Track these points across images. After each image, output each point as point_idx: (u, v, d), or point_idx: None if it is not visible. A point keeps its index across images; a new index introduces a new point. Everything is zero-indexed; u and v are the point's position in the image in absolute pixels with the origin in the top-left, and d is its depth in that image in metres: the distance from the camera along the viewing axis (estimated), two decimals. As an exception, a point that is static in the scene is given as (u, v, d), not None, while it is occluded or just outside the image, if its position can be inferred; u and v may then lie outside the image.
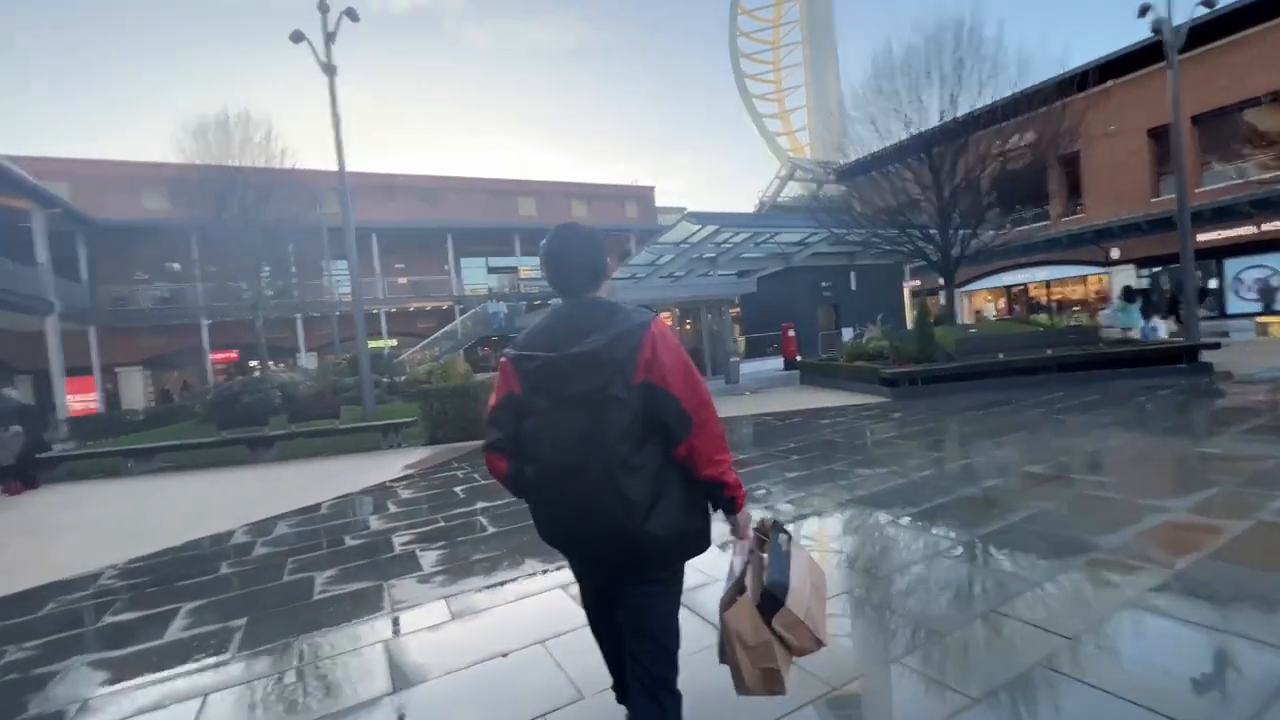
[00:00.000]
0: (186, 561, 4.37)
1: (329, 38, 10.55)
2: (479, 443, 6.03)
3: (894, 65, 13.20)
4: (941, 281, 14.06)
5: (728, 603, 1.60)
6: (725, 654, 1.61)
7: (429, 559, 3.98)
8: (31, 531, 5.80)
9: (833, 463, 5.76)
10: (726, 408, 10.70)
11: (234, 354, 25.07)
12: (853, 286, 21.91)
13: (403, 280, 29.44)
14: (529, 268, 32.88)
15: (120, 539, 5.05)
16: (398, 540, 4.47)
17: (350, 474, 7.29)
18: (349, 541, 4.56)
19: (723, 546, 2.93)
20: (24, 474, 8.33)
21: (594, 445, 1.46)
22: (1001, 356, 10.17)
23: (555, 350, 1.51)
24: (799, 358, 18.25)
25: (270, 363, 18.79)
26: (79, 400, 24.16)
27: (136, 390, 24.91)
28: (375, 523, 5.05)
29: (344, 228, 11.79)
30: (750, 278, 18.50)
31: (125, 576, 4.13)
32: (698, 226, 15.47)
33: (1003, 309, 23.56)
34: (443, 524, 4.78)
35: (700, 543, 1.62)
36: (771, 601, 1.54)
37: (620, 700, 1.84)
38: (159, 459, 9.44)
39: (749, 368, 16.84)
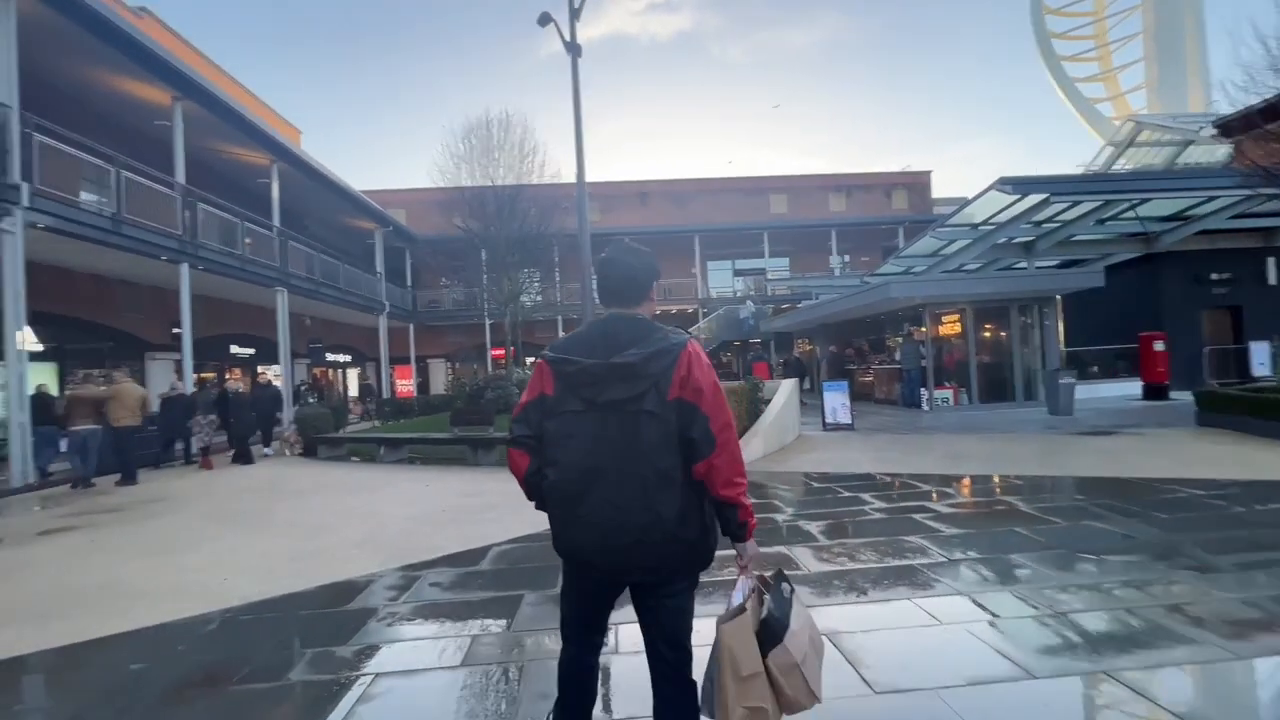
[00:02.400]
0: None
1: (574, 13, 10.03)
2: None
3: None
4: None
5: (726, 619, 1.57)
6: (708, 702, 1.58)
7: None
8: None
9: None
10: (1070, 459, 6.97)
11: (507, 351, 28.01)
12: (1271, 279, 14.48)
13: (651, 284, 29.70)
14: (777, 270, 30.55)
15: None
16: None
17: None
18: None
19: None
20: (242, 454, 10.43)
21: (627, 455, 1.52)
22: None
23: (594, 357, 1.57)
24: (1166, 382, 12.47)
25: (527, 360, 20.01)
26: (402, 384, 29.87)
27: (439, 379, 29.66)
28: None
29: (578, 219, 11.19)
30: (1088, 269, 13.27)
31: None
32: (1014, 197, 11.35)
33: None
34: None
35: (709, 556, 1.64)
36: (770, 635, 1.52)
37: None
38: (406, 449, 9.77)
39: (1084, 393, 11.88)
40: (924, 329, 13.87)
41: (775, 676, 1.50)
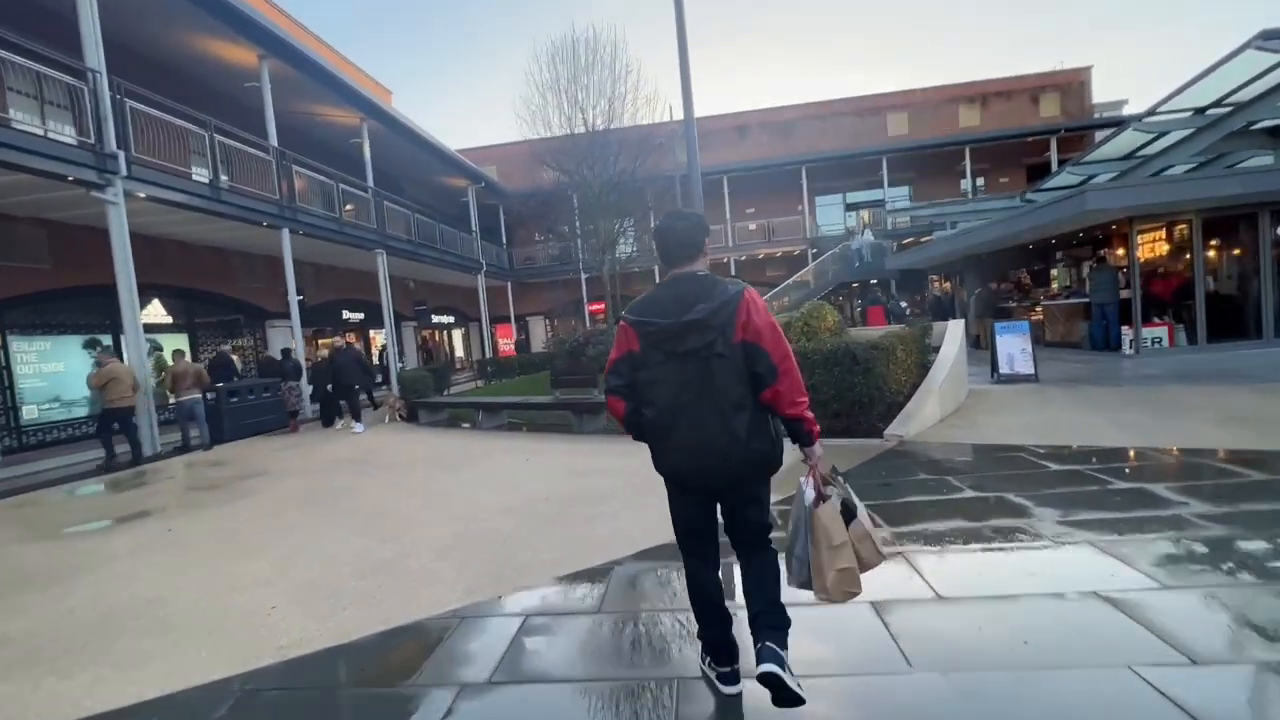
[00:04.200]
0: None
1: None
2: (873, 441, 5.39)
3: None
4: None
5: (816, 504, 1.95)
6: (798, 575, 2.00)
7: None
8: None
9: None
10: None
11: (603, 305, 27.10)
12: None
13: (752, 226, 27.29)
14: (897, 200, 26.91)
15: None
16: None
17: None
18: None
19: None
20: (327, 416, 10.47)
21: (705, 391, 1.86)
22: None
23: (669, 317, 1.88)
24: None
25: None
26: (504, 343, 30.04)
27: (539, 336, 29.47)
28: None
29: (688, 151, 9.51)
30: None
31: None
32: (1278, 57, 8.21)
33: None
34: None
35: (779, 462, 1.97)
36: (848, 514, 1.97)
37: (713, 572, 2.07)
38: (505, 415, 8.93)
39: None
40: (1121, 251, 10.98)
41: (854, 544, 1.93)
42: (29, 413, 9.94)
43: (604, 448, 6.46)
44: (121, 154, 9.07)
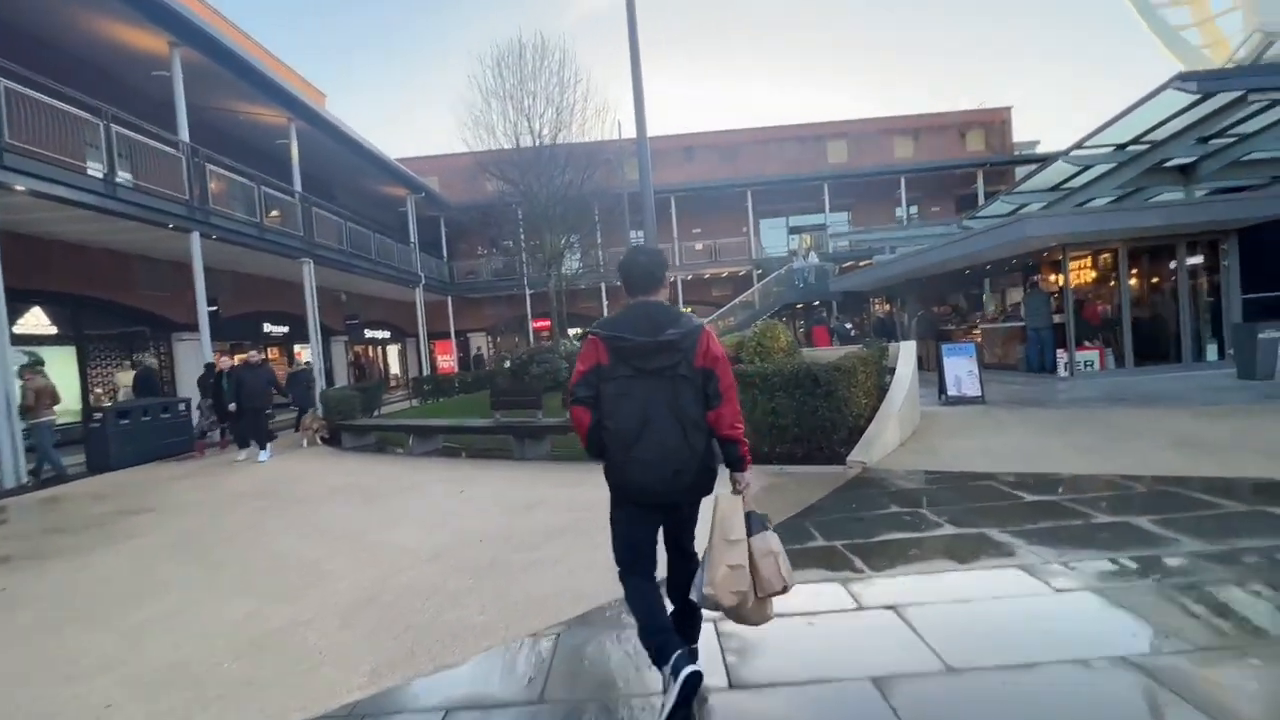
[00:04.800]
0: None
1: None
2: (835, 468, 5.10)
3: None
4: None
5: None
6: (697, 588, 2.04)
7: None
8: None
9: None
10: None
11: (548, 322, 26.42)
12: None
13: (699, 246, 27.42)
14: (837, 225, 27.71)
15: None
16: None
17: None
18: None
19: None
20: (241, 438, 9.13)
21: (670, 407, 2.00)
22: None
23: (643, 335, 2.02)
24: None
25: (571, 331, 18.22)
26: (443, 359, 28.75)
27: (481, 353, 28.38)
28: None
29: (640, 165, 9.21)
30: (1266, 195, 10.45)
31: None
32: (1190, 99, 8.73)
33: None
34: None
35: (715, 478, 2.10)
36: (755, 523, 2.03)
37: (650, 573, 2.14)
38: (439, 439, 8.20)
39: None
40: (1054, 278, 11.41)
41: (754, 556, 1.98)
42: None
43: (547, 476, 5.90)
44: (-7, 141, 7.90)
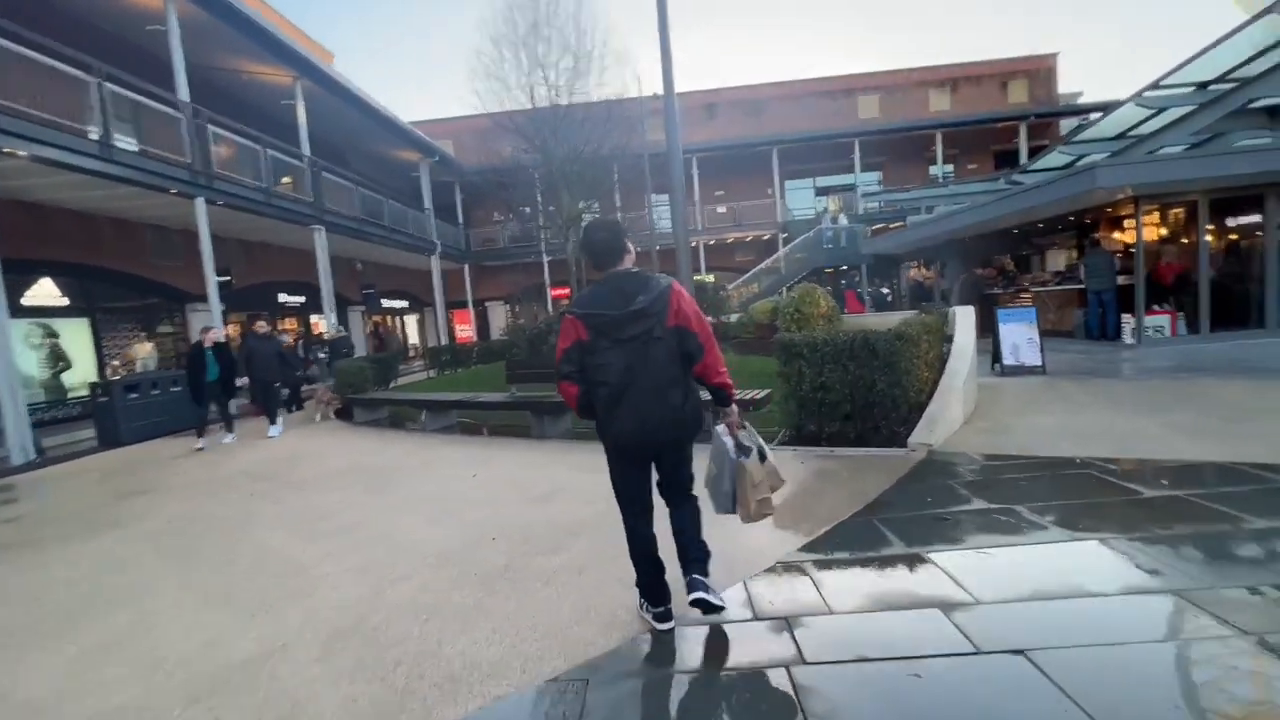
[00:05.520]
0: None
1: None
2: (896, 451, 4.51)
3: None
4: None
5: (739, 454, 2.41)
6: (723, 506, 2.48)
7: None
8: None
9: None
10: None
11: (567, 290, 25.74)
12: None
13: (722, 209, 26.30)
14: (868, 185, 26.28)
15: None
16: None
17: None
18: None
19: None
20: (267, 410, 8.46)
21: (646, 369, 2.21)
22: None
23: (615, 309, 2.21)
24: None
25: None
26: (461, 329, 28.37)
27: (500, 322, 27.93)
28: None
29: (666, 119, 8.38)
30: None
31: None
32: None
33: None
34: None
35: (700, 426, 2.37)
36: (762, 453, 2.43)
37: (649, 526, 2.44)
38: (453, 414, 7.71)
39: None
40: (1116, 235, 10.40)
41: (766, 478, 2.40)
42: None
43: (566, 458, 5.36)
44: (-18, 101, 7.40)
